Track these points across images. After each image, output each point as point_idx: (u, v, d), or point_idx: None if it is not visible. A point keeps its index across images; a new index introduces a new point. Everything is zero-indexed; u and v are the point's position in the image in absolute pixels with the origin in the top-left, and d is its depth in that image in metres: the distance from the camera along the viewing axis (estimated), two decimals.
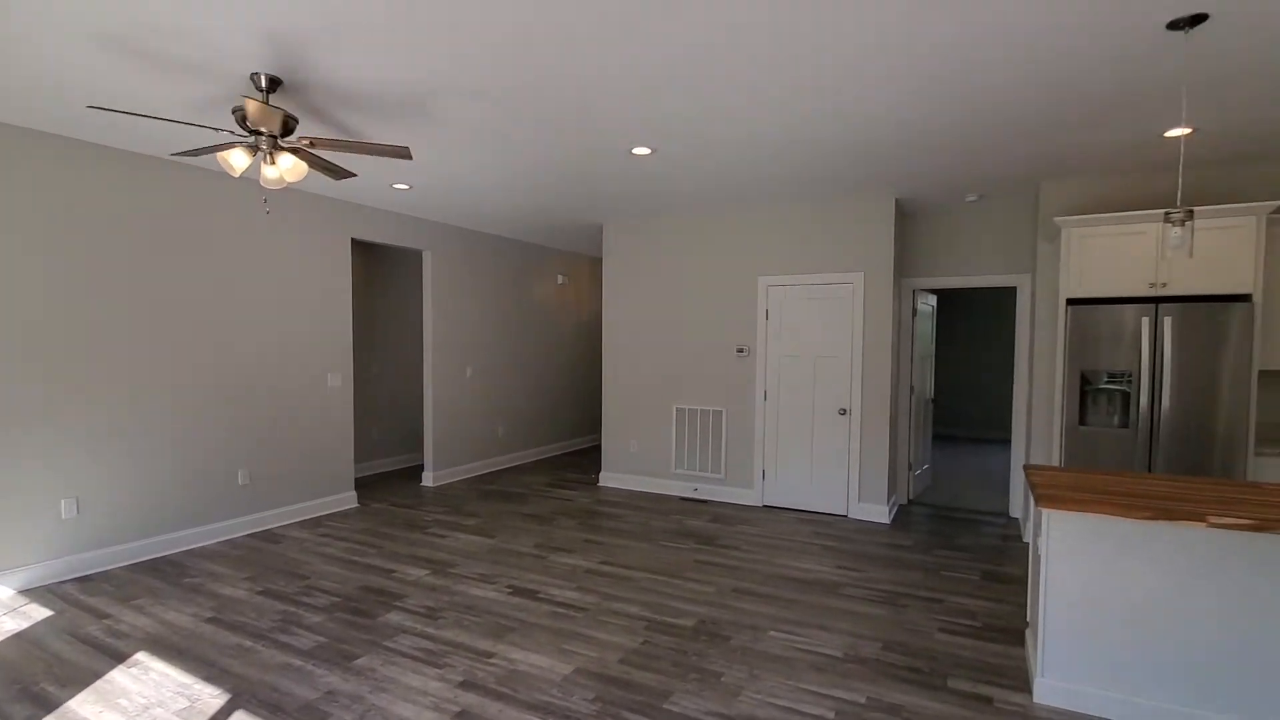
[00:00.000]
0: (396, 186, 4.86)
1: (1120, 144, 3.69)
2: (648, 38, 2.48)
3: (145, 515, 4.14)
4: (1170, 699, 2.38)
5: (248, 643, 3.05)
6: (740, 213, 5.62)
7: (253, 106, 2.61)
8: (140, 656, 2.92)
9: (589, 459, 7.77)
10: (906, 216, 5.56)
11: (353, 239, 5.53)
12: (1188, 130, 3.46)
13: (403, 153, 3.03)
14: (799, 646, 3.04)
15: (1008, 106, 3.16)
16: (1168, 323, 3.70)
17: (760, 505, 5.59)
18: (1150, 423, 3.77)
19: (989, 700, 2.59)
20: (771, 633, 3.18)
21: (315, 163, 3.23)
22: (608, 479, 6.37)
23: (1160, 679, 2.40)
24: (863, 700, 2.59)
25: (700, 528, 4.93)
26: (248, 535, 4.65)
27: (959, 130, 3.50)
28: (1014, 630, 3.21)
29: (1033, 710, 2.52)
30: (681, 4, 2.23)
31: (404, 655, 2.93)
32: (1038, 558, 2.66)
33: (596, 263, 8.86)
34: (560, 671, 2.79)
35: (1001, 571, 4.03)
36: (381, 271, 6.92)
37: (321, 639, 3.08)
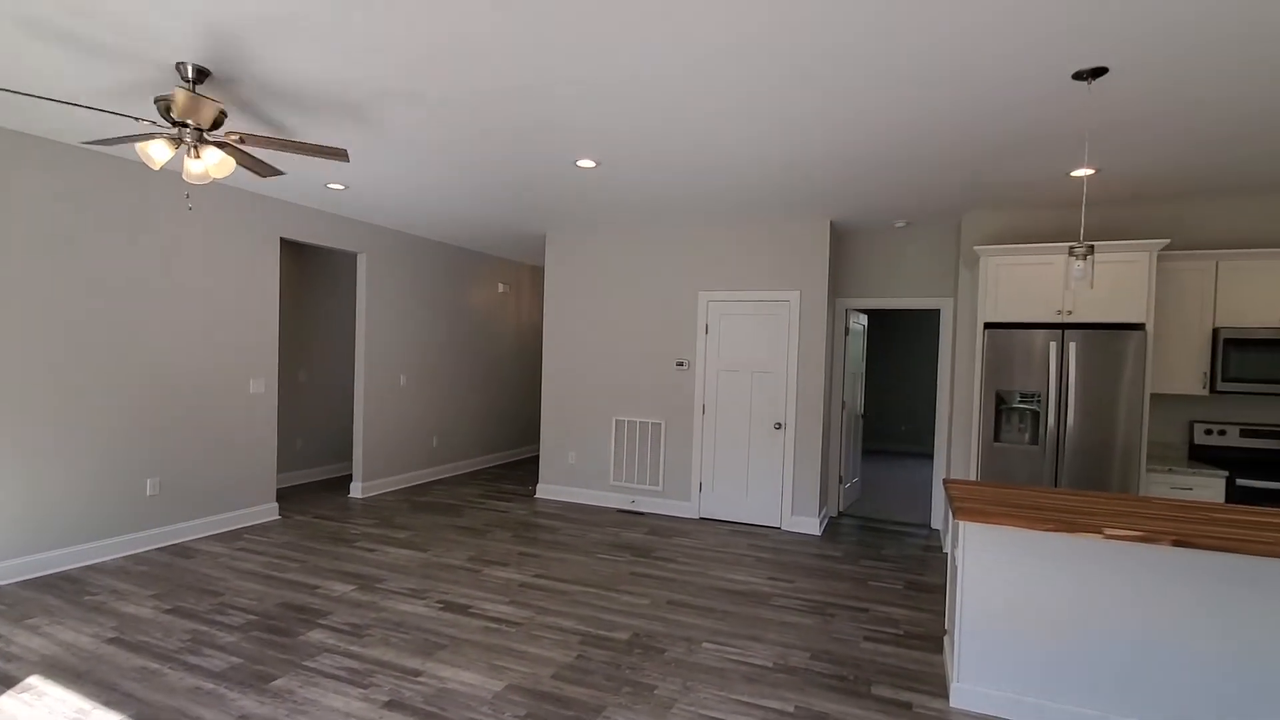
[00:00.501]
0: (331, 186, 4.70)
1: (1032, 181, 3.97)
2: (596, 55, 2.51)
3: (40, 527, 3.82)
4: (1078, 702, 2.55)
5: (153, 665, 2.86)
6: (683, 228, 5.72)
7: (182, 97, 2.49)
8: (33, 680, 2.69)
9: (526, 470, 7.67)
10: (841, 238, 5.79)
11: (282, 238, 5.31)
12: (1091, 171, 3.75)
13: (339, 155, 2.94)
14: (731, 658, 3.08)
15: (931, 143, 3.36)
16: (1073, 348, 3.98)
17: (697, 518, 5.66)
18: (1057, 440, 4.04)
19: (909, 706, 2.70)
20: (705, 644, 3.22)
21: (242, 159, 3.10)
22: (545, 491, 6.30)
23: (1068, 683, 2.56)
24: (791, 709, 2.65)
25: (637, 540, 4.95)
26: (156, 549, 4.36)
27: (888, 161, 3.69)
28: (934, 637, 3.36)
29: (949, 715, 2.64)
30: (631, 29, 2.27)
31: (326, 675, 2.81)
32: (955, 568, 2.81)
33: (538, 272, 8.81)
34: (491, 689, 2.74)
35: (923, 581, 4.22)
36: (313, 273, 6.67)
37: (235, 660, 2.92)
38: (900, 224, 5.32)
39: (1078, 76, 2.53)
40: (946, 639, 3.08)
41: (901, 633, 3.42)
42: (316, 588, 3.79)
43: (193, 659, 2.92)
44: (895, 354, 10.24)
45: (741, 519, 5.53)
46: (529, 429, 8.72)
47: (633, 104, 2.99)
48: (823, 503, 5.49)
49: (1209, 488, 3.87)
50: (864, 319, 6.49)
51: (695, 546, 4.82)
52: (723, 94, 2.84)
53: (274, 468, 5.21)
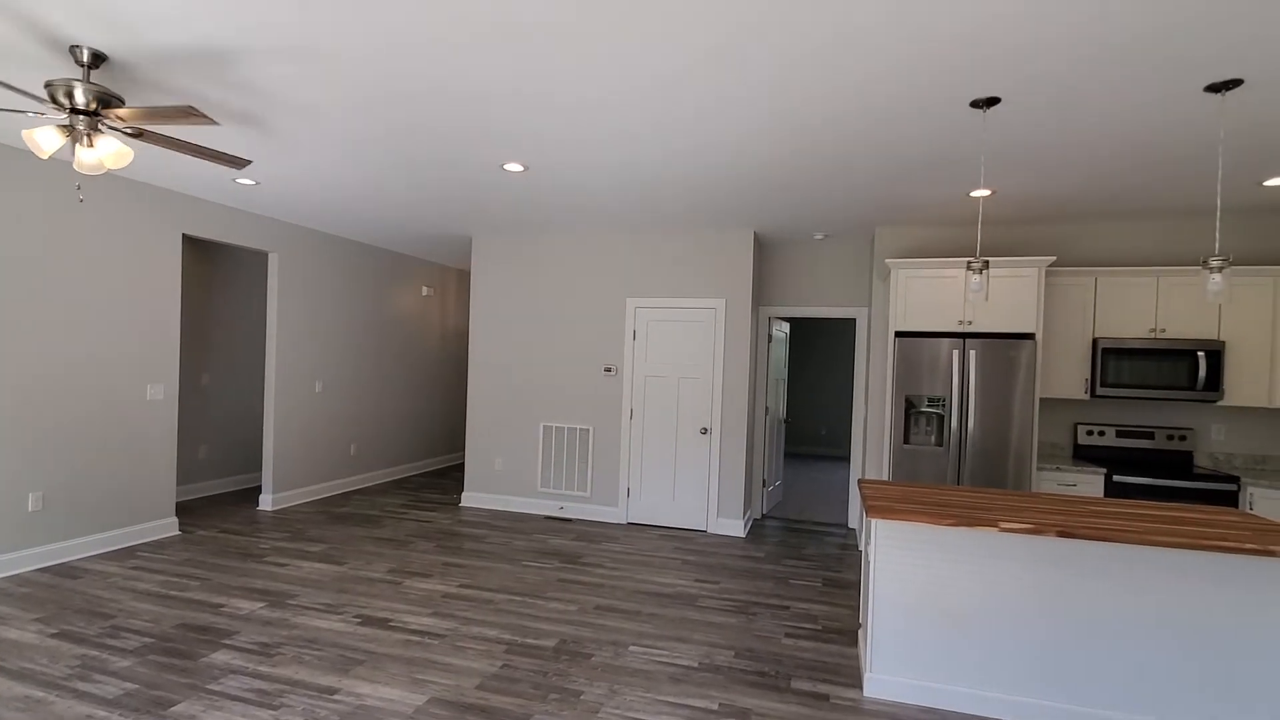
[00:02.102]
0: (240, 181, 4.46)
1: (937, 199, 4.25)
2: (522, 58, 2.51)
3: None
4: (982, 685, 2.73)
5: (39, 693, 2.62)
6: (612, 235, 5.76)
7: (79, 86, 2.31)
8: None
9: (451, 479, 7.49)
10: (764, 249, 5.99)
11: (185, 235, 4.99)
12: (988, 192, 4.06)
13: (238, 163, 2.83)
14: (658, 659, 3.13)
15: (847, 164, 3.55)
16: (973, 356, 4.28)
17: (625, 523, 5.69)
18: (960, 442, 4.33)
19: (826, 697, 2.82)
20: (632, 647, 3.24)
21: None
22: (470, 499, 6.18)
23: (971, 667, 2.75)
24: (715, 707, 2.72)
25: (564, 546, 4.93)
26: (39, 570, 3.98)
27: (808, 180, 3.86)
28: (849, 631, 3.52)
29: (863, 704, 2.78)
30: (562, 40, 2.29)
31: (231, 698, 2.65)
32: (868, 563, 2.96)
33: (464, 275, 8.64)
34: (412, 703, 2.66)
35: (840, 578, 4.41)
36: (219, 272, 6.29)
37: (130, 685, 2.71)
38: (819, 236, 5.57)
39: (975, 105, 2.75)
40: (861, 632, 3.24)
41: (820, 628, 3.56)
42: (221, 606, 3.57)
43: (83, 686, 2.69)
44: (815, 361, 10.65)
45: (669, 523, 5.60)
46: (454, 436, 8.52)
47: (562, 112, 3.01)
48: (747, 505, 5.64)
49: (1090, 483, 4.24)
50: (786, 327, 6.72)
51: (623, 551, 4.85)
52: (652, 109, 2.91)
53: (173, 479, 4.87)
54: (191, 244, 6.00)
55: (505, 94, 2.84)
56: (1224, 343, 4.18)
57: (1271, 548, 2.25)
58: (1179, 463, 4.47)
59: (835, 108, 2.85)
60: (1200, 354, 4.16)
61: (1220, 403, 4.20)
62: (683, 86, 2.71)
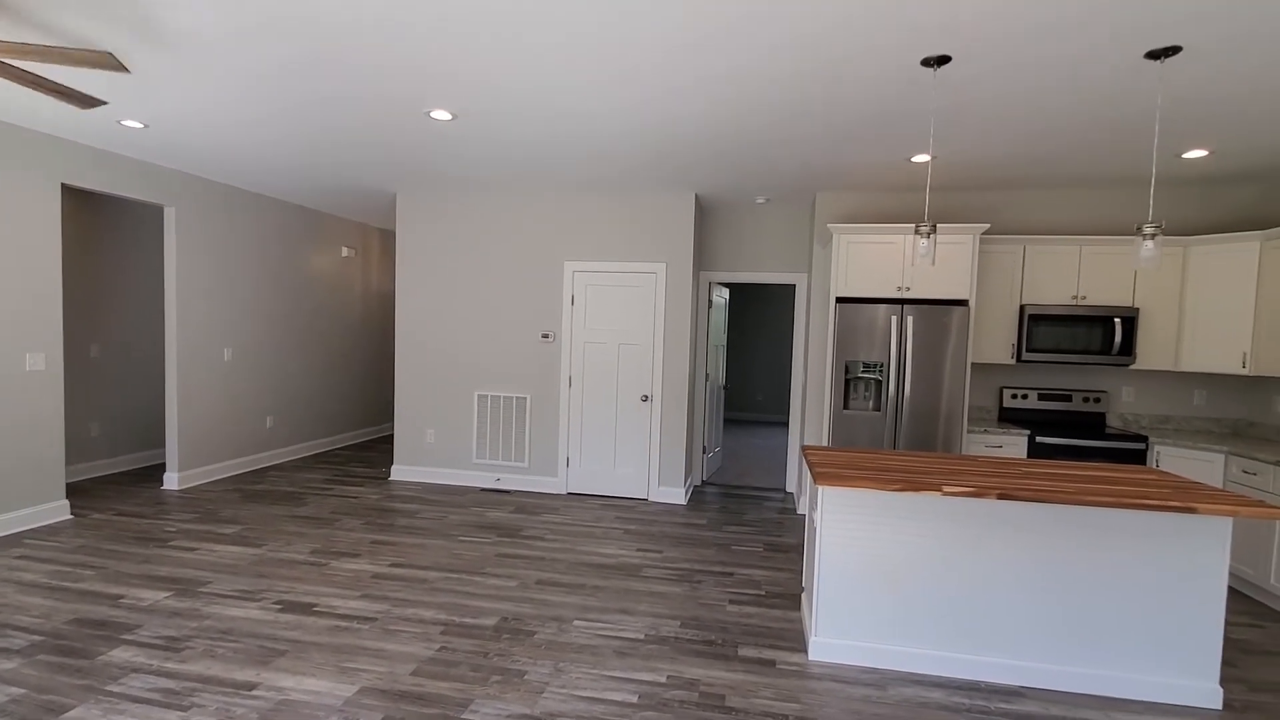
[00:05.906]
0: (126, 124, 3.94)
1: (879, 163, 4.22)
2: None
3: None
4: (926, 644, 2.79)
5: None
6: (549, 196, 5.50)
7: None
8: None
9: (379, 451, 7.15)
10: (705, 213, 5.87)
11: (65, 185, 4.40)
12: (929, 157, 4.04)
13: (88, 102, 2.49)
14: (603, 633, 3.05)
15: (785, 125, 3.46)
16: (910, 321, 4.34)
17: (565, 493, 5.57)
18: (896, 406, 4.40)
19: (773, 663, 2.83)
20: (576, 622, 3.15)
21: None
22: (401, 472, 5.90)
23: (915, 627, 2.79)
24: (663, 679, 2.67)
25: (502, 519, 4.77)
26: None
27: (745, 140, 3.75)
28: (791, 595, 3.56)
29: (808, 668, 2.80)
30: None
31: (134, 700, 2.40)
32: (813, 529, 2.96)
33: (388, 235, 8.14)
34: (341, 694, 2.49)
35: (781, 542, 4.46)
36: (111, 231, 5.64)
37: (17, 691, 2.41)
38: (761, 200, 5.49)
39: (925, 63, 2.68)
40: (804, 596, 3.26)
41: (763, 593, 3.58)
42: (120, 598, 3.24)
43: None
44: (753, 326, 10.73)
45: (609, 492, 5.53)
46: (382, 406, 8.12)
47: (492, 51, 2.75)
48: (688, 472, 5.63)
49: (1015, 445, 4.42)
50: (726, 292, 6.68)
51: (564, 522, 4.74)
52: (589, 59, 2.69)
53: (62, 459, 4.38)
54: (76, 197, 5.33)
55: (427, 24, 2.55)
56: (1138, 309, 4.39)
57: (1193, 505, 2.36)
58: (1094, 423, 4.71)
59: (775, 70, 2.72)
60: (1116, 320, 4.36)
61: (1132, 366, 4.43)
62: (619, 36, 2.51)
